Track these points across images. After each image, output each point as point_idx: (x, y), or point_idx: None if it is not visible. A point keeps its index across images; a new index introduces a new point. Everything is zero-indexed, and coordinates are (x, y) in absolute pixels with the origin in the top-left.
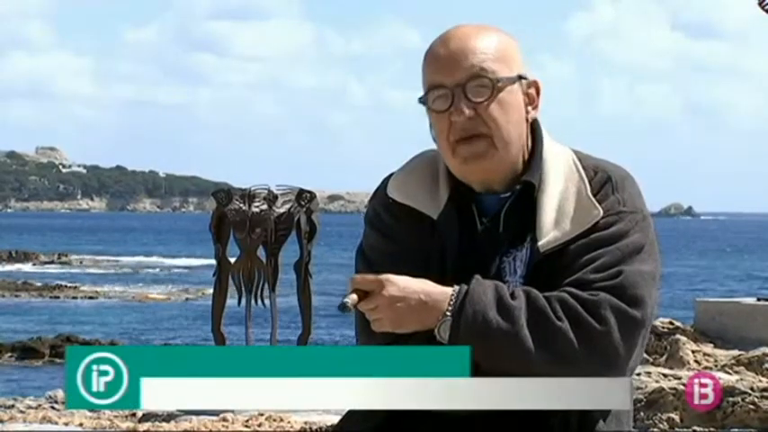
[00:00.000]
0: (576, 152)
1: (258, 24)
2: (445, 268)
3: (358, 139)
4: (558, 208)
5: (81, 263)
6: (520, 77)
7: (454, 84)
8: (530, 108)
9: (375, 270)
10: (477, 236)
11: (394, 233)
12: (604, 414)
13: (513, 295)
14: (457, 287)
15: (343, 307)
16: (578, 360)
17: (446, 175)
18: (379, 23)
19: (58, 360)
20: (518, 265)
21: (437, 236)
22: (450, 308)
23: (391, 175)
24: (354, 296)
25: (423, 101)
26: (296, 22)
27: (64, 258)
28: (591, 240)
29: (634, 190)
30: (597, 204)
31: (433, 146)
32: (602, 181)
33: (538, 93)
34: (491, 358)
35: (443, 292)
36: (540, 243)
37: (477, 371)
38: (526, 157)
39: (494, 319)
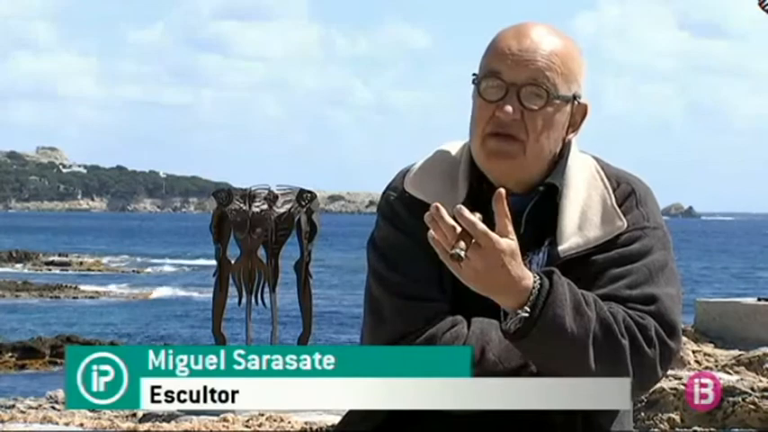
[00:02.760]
0: (597, 160)
1: (264, 25)
2: None
3: (359, 139)
4: (582, 214)
5: (81, 263)
6: (574, 98)
7: (512, 81)
8: (570, 131)
9: (388, 262)
10: None
11: (408, 228)
12: (609, 415)
13: (586, 302)
14: (538, 280)
15: (457, 257)
16: (627, 378)
17: (466, 173)
18: (384, 25)
19: (58, 360)
20: (534, 268)
21: None
22: (529, 303)
23: (408, 168)
24: (463, 243)
25: (476, 82)
26: (302, 23)
27: (64, 258)
28: (617, 255)
29: (655, 205)
30: (622, 216)
31: (430, 142)
32: (626, 193)
33: (583, 118)
34: (551, 361)
35: (528, 280)
36: (560, 248)
37: (522, 369)
38: (550, 165)
39: (570, 327)
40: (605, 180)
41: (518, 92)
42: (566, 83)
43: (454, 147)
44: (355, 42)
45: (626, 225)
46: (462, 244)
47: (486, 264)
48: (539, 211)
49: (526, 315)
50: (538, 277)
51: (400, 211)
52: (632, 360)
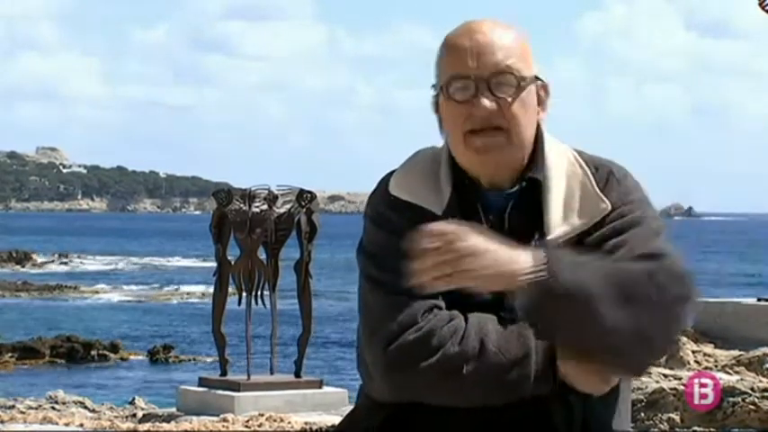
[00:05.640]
0: (574, 150)
1: (269, 25)
2: None
3: (360, 139)
4: (565, 204)
5: (81, 263)
6: (536, 78)
7: (479, 76)
8: (539, 110)
9: (378, 262)
10: None
11: (397, 229)
12: (608, 410)
13: (590, 264)
14: (533, 254)
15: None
16: (653, 332)
17: (448, 172)
18: (391, 24)
19: (58, 360)
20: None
21: None
22: (533, 274)
23: (391, 172)
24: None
25: (439, 88)
26: (307, 23)
27: (64, 258)
28: (611, 230)
29: (636, 184)
30: (604, 198)
31: (431, 142)
32: (606, 175)
33: (547, 95)
34: (563, 329)
35: (525, 257)
36: (548, 238)
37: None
38: (530, 149)
39: (592, 284)
40: (584, 165)
41: (488, 85)
42: (526, 65)
43: (431, 149)
44: (361, 42)
45: (610, 206)
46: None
47: (473, 250)
48: (522, 206)
49: (533, 286)
50: (533, 254)
51: (386, 212)
52: (657, 312)
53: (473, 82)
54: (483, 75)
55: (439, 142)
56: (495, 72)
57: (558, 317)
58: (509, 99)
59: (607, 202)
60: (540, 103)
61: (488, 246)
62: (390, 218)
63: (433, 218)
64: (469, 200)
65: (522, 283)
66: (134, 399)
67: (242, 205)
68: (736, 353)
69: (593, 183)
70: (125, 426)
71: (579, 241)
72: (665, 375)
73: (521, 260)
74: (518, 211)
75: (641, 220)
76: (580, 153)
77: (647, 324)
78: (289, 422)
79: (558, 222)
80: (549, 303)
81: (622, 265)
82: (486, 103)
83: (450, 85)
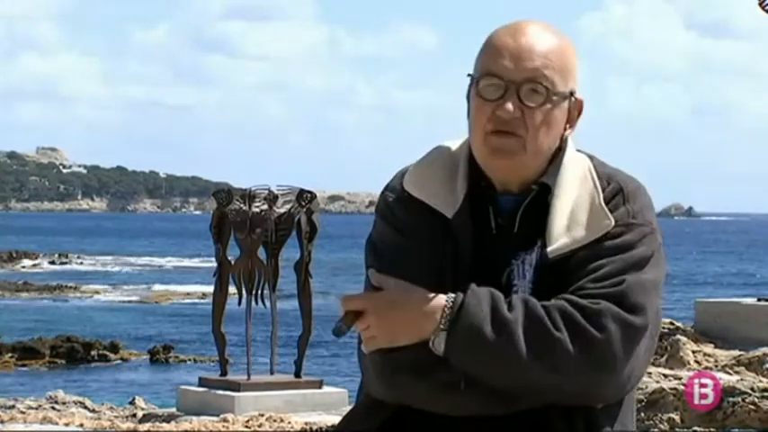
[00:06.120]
0: (593, 160)
1: (271, 25)
2: (457, 268)
3: (360, 139)
4: (571, 214)
5: (81, 263)
6: (571, 94)
7: (510, 79)
8: (567, 126)
9: (385, 262)
10: (491, 237)
11: (406, 228)
12: (610, 418)
13: (510, 306)
14: (452, 297)
15: (337, 331)
16: (576, 370)
17: (465, 173)
18: (391, 24)
19: (58, 360)
20: (527, 269)
21: (450, 235)
22: (443, 321)
23: (406, 168)
24: (347, 318)
25: (473, 82)
26: (308, 23)
27: (64, 258)
28: (596, 250)
29: (645, 202)
30: (609, 214)
31: (431, 142)
32: (615, 191)
33: (579, 113)
34: (487, 372)
35: (436, 305)
36: (549, 249)
37: (474, 383)
38: (547, 163)
39: (489, 334)
40: (596, 179)
41: (517, 90)
42: (563, 79)
43: (453, 144)
44: (361, 42)
45: (613, 223)
46: (345, 320)
47: (377, 319)
48: (533, 210)
49: (444, 332)
50: (452, 296)
51: (398, 210)
52: (577, 348)
53: (504, 83)
54: (515, 79)
55: (448, 137)
56: (528, 79)
57: (467, 360)
58: (535, 109)
59: (611, 218)
60: (570, 119)
61: (400, 301)
62: (399, 215)
63: (444, 220)
64: (481, 203)
65: (435, 331)
66: (134, 399)
67: (242, 205)
68: (736, 353)
69: (601, 197)
70: (125, 426)
71: (577, 253)
72: (665, 375)
73: (436, 308)
74: (527, 217)
75: (630, 247)
76: (599, 165)
77: (564, 365)
78: (289, 422)
79: (561, 233)
80: (453, 349)
81: (545, 305)
82: (510, 107)
83: (482, 80)
